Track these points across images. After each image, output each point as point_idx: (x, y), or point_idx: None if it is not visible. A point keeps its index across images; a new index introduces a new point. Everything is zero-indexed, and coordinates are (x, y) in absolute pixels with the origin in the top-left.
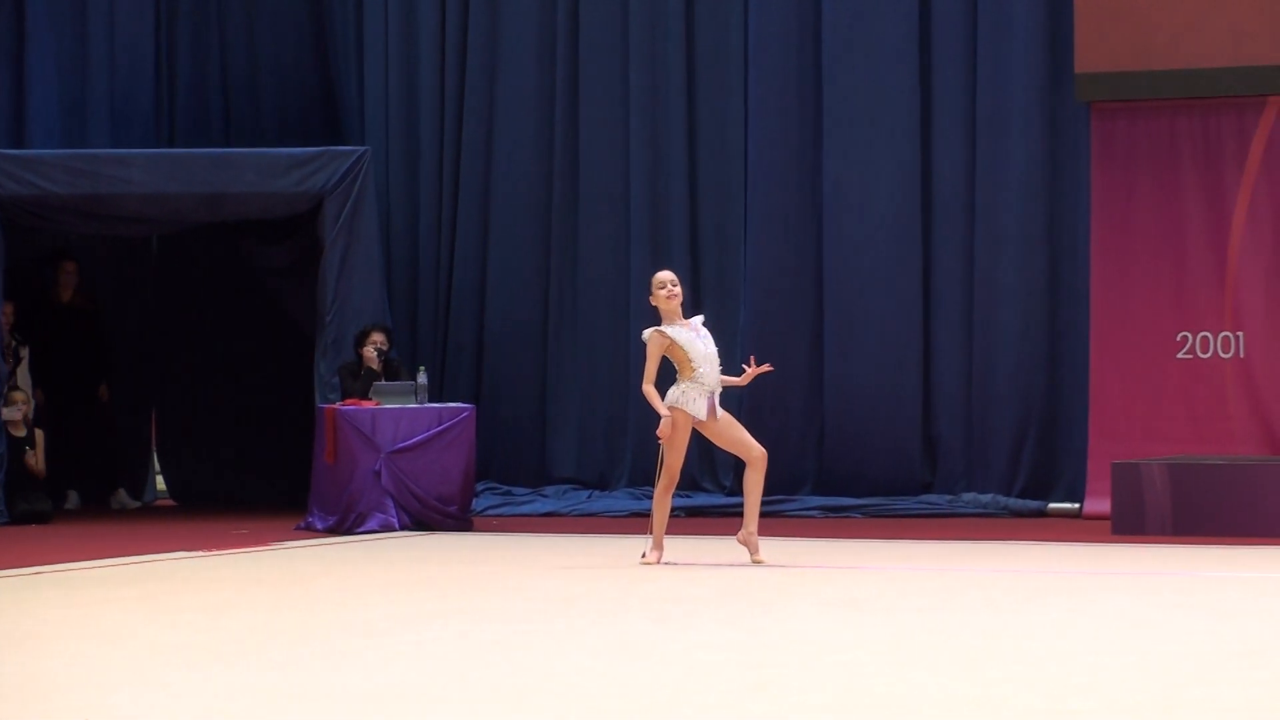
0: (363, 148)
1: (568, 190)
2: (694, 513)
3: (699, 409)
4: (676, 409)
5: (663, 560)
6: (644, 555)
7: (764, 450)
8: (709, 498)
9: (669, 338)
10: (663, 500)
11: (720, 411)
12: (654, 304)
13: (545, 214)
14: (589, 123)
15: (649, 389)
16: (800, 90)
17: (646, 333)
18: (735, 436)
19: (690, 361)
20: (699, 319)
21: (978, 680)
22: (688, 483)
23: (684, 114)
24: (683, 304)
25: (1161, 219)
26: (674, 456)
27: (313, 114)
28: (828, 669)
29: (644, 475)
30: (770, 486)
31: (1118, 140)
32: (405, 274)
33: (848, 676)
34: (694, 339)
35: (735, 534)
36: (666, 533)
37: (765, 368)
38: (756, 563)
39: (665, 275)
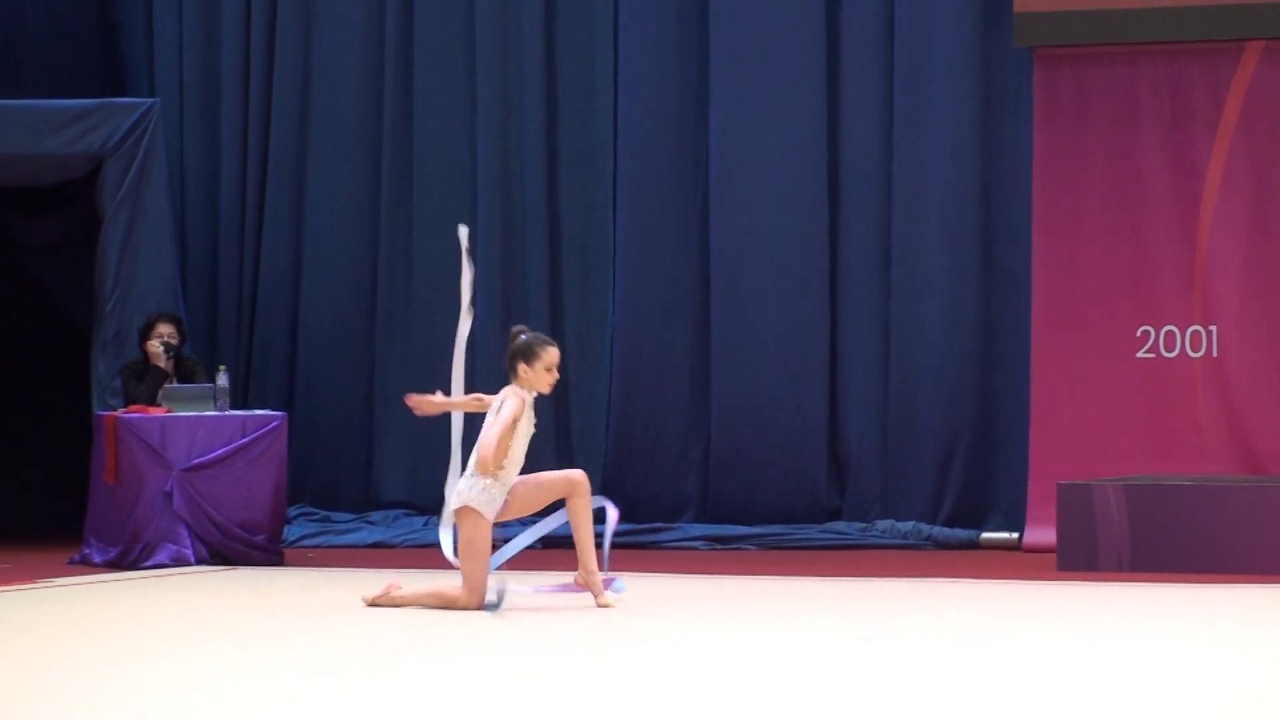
0: (151, 100)
1: (401, 153)
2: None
3: (494, 511)
4: (474, 511)
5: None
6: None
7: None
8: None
9: (522, 414)
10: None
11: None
12: (523, 375)
13: (374, 183)
14: (426, 68)
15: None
16: (682, 31)
17: (514, 391)
18: (538, 491)
19: (510, 454)
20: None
21: None
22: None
23: (540, 57)
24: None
25: (1118, 189)
26: (482, 570)
27: (89, 61)
28: None
29: None
30: (645, 512)
31: (1064, 94)
32: (203, 253)
33: None
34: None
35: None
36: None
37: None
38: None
39: (556, 353)
